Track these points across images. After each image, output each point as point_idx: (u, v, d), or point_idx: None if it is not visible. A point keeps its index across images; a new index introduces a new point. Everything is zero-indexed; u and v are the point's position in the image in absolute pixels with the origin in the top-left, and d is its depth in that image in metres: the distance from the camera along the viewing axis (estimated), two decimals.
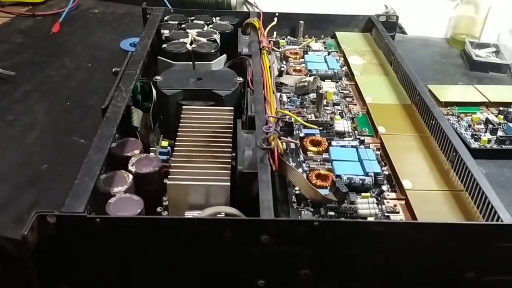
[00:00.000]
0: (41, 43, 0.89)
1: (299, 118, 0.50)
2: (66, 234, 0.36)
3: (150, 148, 0.55)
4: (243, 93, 0.57)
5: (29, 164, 0.57)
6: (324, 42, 0.80)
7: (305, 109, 0.60)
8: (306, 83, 0.57)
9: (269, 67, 0.61)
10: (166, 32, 0.71)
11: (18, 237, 0.47)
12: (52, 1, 1.11)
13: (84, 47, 0.89)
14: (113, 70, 0.62)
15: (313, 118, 0.57)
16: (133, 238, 0.36)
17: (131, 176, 0.45)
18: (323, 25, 0.81)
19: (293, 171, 0.44)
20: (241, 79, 0.57)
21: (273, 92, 0.56)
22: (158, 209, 0.46)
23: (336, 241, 0.37)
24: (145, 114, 0.57)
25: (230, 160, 0.44)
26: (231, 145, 0.47)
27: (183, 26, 0.74)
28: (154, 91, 0.62)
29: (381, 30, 0.76)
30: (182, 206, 0.42)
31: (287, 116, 0.53)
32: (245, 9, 1.05)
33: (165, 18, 0.76)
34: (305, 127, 0.54)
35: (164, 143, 0.54)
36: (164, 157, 0.51)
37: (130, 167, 0.46)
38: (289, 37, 0.81)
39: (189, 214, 0.41)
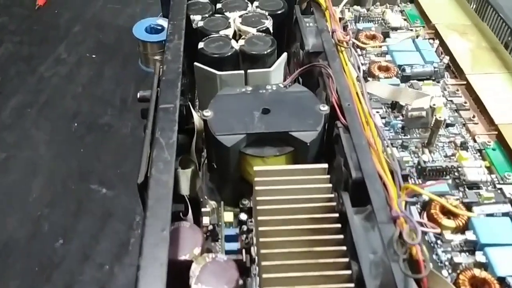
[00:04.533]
0: (27, 23, 0.70)
1: (439, 198, 0.34)
2: None
3: (202, 209, 0.41)
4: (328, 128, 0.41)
5: (38, 240, 0.42)
6: (402, 11, 0.61)
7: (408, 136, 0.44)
8: (423, 113, 0.41)
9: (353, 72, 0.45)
10: (197, 19, 0.53)
11: None
12: None
13: (83, 26, 0.70)
14: (139, 95, 0.45)
15: (425, 158, 0.41)
16: None
17: None
18: None
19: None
20: (326, 108, 0.40)
21: (371, 117, 0.39)
22: None
23: None
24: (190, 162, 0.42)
25: (350, 272, 0.30)
26: (344, 241, 0.32)
27: (218, 6, 0.55)
28: (195, 116, 0.45)
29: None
30: None
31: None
32: None
33: None
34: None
35: (228, 216, 0.39)
36: (234, 246, 0.37)
37: (194, 286, 0.32)
38: (355, 7, 0.62)
39: None
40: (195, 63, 0.48)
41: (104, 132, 0.53)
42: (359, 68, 0.45)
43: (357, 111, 0.40)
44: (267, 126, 0.39)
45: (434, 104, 0.43)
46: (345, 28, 0.57)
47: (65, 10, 0.73)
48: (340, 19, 0.58)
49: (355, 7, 0.62)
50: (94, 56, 0.64)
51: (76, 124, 0.54)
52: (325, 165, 0.36)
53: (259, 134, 0.39)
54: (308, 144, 0.38)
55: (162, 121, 0.38)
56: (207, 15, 0.53)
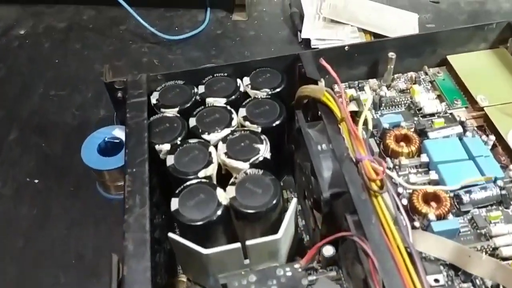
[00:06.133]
0: None
1: None
2: None
3: None
4: None
5: None
6: (432, 82, 0.48)
7: None
8: None
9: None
10: (165, 149, 0.39)
11: None
12: None
13: (19, 130, 0.55)
14: None
15: None
16: None
17: None
18: (423, 49, 0.48)
19: None
20: None
21: None
22: None
23: None
24: None
25: None
26: None
27: (192, 122, 0.41)
28: None
29: None
30: None
31: None
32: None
33: (154, 101, 0.43)
34: None
35: None
36: None
37: None
38: (370, 82, 0.48)
39: None
40: (170, 235, 0.35)
41: None
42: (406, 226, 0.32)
43: None
44: None
45: None
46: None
47: None
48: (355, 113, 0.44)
49: (371, 82, 0.48)
50: (36, 181, 0.50)
51: None
52: None
53: None
54: None
55: None
56: (178, 141, 0.39)
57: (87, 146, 0.46)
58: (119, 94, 0.45)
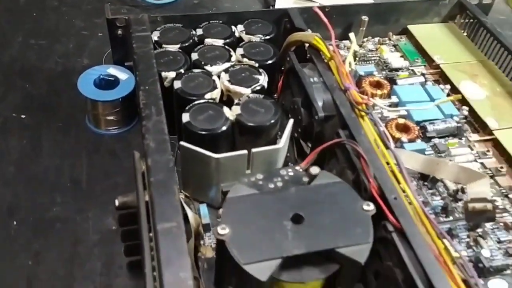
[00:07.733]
0: None
1: None
2: None
3: None
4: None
5: None
6: (395, 46, 0.56)
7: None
8: (488, 205, 0.34)
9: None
10: (170, 76, 0.43)
11: None
12: None
13: (1, 73, 0.56)
14: (118, 202, 0.34)
15: (486, 253, 0.36)
16: None
17: None
18: (389, 18, 0.56)
19: None
20: (371, 208, 0.33)
21: (426, 214, 0.33)
22: None
23: None
24: None
25: None
26: None
27: (194, 56, 0.45)
28: (189, 214, 0.37)
29: (492, 28, 0.52)
30: None
31: None
32: None
33: (155, 38, 0.47)
34: None
35: None
36: None
37: None
38: (343, 42, 0.55)
39: None
40: (182, 143, 0.39)
41: (57, 231, 0.41)
42: (387, 137, 0.39)
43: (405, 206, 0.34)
44: (308, 244, 0.31)
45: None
46: None
47: None
48: None
49: (344, 42, 0.55)
50: (23, 116, 0.51)
51: (15, 223, 0.42)
52: None
53: (297, 256, 0.31)
54: (363, 264, 0.31)
55: (166, 254, 0.29)
56: (182, 70, 0.44)
57: (83, 79, 0.49)
58: (119, 32, 0.49)
